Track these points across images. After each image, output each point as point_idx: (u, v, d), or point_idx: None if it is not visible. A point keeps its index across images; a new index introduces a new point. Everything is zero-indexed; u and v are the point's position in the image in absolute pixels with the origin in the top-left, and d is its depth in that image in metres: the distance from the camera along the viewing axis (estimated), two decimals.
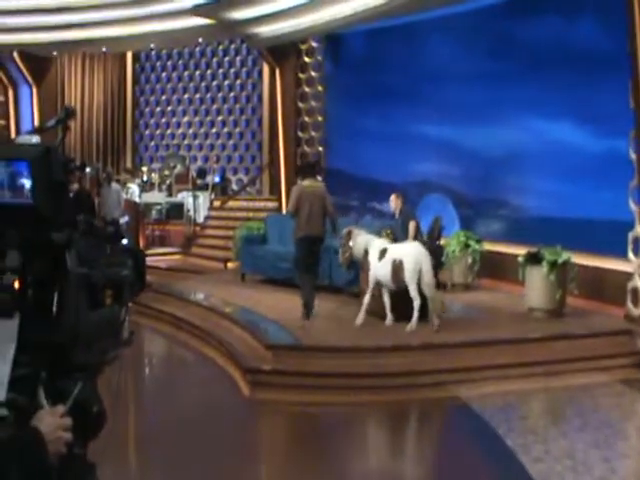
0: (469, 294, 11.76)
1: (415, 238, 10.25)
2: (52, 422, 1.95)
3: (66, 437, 1.97)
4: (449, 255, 11.82)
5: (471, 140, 13.33)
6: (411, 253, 8.99)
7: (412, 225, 10.46)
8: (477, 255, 12.08)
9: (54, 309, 2.01)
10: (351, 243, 9.43)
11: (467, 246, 12.11)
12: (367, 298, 9.27)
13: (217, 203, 18.34)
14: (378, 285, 9.26)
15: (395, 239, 10.00)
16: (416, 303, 8.93)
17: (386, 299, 9.33)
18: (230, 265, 14.92)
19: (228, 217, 17.07)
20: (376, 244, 9.32)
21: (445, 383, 8.04)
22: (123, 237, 2.34)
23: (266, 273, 12.90)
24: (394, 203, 10.85)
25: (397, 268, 8.97)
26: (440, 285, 10.29)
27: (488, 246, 12.26)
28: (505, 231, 12.94)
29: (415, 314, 8.96)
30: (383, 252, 9.15)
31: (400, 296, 9.14)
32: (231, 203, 17.94)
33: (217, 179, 19.77)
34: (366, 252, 9.32)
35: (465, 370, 8.25)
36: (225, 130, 20.70)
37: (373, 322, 9.43)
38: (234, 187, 19.99)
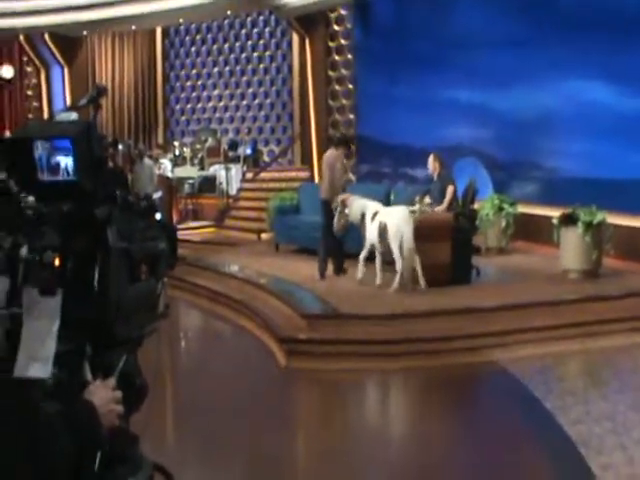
0: (503, 257, 11.72)
1: (451, 203, 10.34)
2: (105, 395, 1.98)
3: (118, 409, 2.00)
4: (483, 219, 11.76)
5: (502, 104, 13.24)
6: (395, 217, 9.31)
7: (450, 190, 10.44)
8: (511, 218, 12.02)
9: (96, 284, 2.03)
10: (347, 210, 9.79)
11: (501, 209, 12.06)
12: (378, 262, 9.58)
13: (249, 175, 18.37)
14: (372, 247, 9.60)
15: (430, 203, 10.18)
16: (398, 265, 9.19)
17: (378, 261, 9.61)
18: (264, 236, 14.94)
19: (260, 188, 17.08)
20: (370, 208, 9.65)
21: (481, 347, 8.02)
22: (157, 211, 2.36)
23: (300, 243, 12.90)
24: (432, 165, 10.76)
25: (382, 230, 9.34)
26: (474, 249, 10.40)
27: (522, 209, 12.20)
28: (539, 193, 12.87)
29: (397, 276, 9.24)
30: (374, 215, 9.53)
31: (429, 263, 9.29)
32: (263, 174, 17.95)
33: (249, 151, 19.74)
34: (363, 216, 9.63)
35: (501, 334, 8.23)
36: (256, 102, 20.68)
37: (404, 288, 9.47)
38: (266, 158, 20.00)
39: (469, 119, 13.92)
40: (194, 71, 21.77)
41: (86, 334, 2.06)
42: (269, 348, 8.57)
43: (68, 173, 2.08)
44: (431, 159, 10.79)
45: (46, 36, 20.51)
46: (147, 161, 15.73)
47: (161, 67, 22.15)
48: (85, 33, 21.10)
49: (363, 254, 9.73)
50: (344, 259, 10.47)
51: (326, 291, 9.60)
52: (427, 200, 10.36)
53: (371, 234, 9.53)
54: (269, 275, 11.13)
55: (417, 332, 8.18)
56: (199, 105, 21.82)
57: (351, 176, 16.78)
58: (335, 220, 9.98)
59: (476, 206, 11.17)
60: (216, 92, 21.41)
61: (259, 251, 13.63)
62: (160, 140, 21.83)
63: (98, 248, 2.05)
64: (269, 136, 20.52)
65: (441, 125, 14.28)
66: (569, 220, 9.74)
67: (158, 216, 2.34)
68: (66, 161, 2.08)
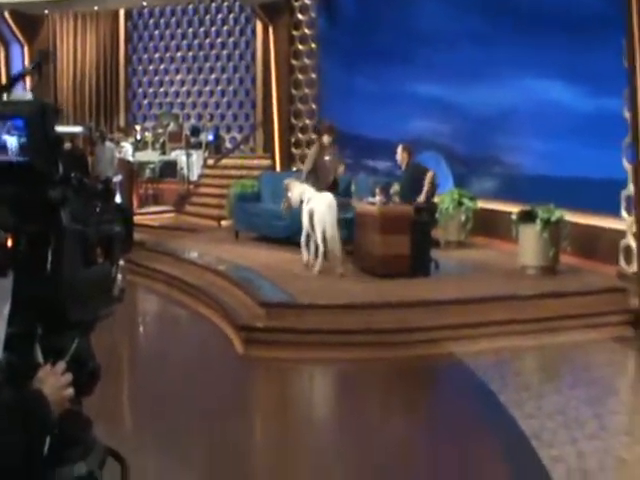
0: (462, 251, 11.77)
1: (431, 190, 10.46)
2: (55, 382, 1.96)
3: (69, 394, 1.99)
4: (443, 212, 11.82)
5: (463, 99, 13.26)
6: (320, 203, 9.71)
7: (429, 175, 10.47)
8: (470, 213, 12.07)
9: (49, 266, 2.01)
10: (289, 194, 10.26)
11: (460, 204, 12.08)
12: (311, 247, 9.99)
13: (211, 161, 18.28)
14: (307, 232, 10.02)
15: (402, 196, 10.36)
16: (320, 250, 9.66)
17: (312, 246, 9.95)
18: (224, 223, 14.91)
19: (222, 175, 17.01)
20: (307, 194, 10.02)
21: (438, 340, 8.05)
22: (114, 194, 2.33)
23: (260, 231, 12.89)
24: (400, 156, 10.76)
25: (310, 216, 9.79)
26: (433, 242, 10.45)
27: (481, 204, 12.25)
28: (498, 189, 12.90)
29: (319, 258, 9.72)
30: (308, 201, 9.93)
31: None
32: (225, 161, 17.86)
33: (210, 137, 19.64)
34: (302, 202, 10.02)
35: (458, 327, 8.27)
36: (219, 88, 20.57)
37: (364, 279, 9.56)
38: (228, 145, 19.91)
39: (430, 113, 13.95)
40: (157, 55, 21.56)
41: (38, 316, 2.04)
42: (227, 336, 8.53)
43: (19, 153, 2.06)
44: (399, 150, 10.79)
45: (6, 14, 20.20)
46: (108, 144, 15.58)
47: (124, 49, 21.90)
48: (46, 12, 20.90)
49: (302, 239, 10.14)
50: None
51: (284, 279, 9.62)
52: (396, 187, 10.46)
53: (304, 219, 9.96)
54: (228, 262, 11.10)
55: (375, 323, 8.20)
56: (161, 89, 21.64)
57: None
58: (282, 202, 10.61)
59: (436, 200, 11.23)
60: (179, 77, 21.24)
61: (219, 238, 13.56)
62: (122, 123, 21.61)
63: (51, 230, 2.03)
64: (231, 123, 20.43)
65: (403, 118, 14.28)
66: (528, 217, 9.80)
67: (117, 199, 2.32)
68: (16, 141, 2.05)
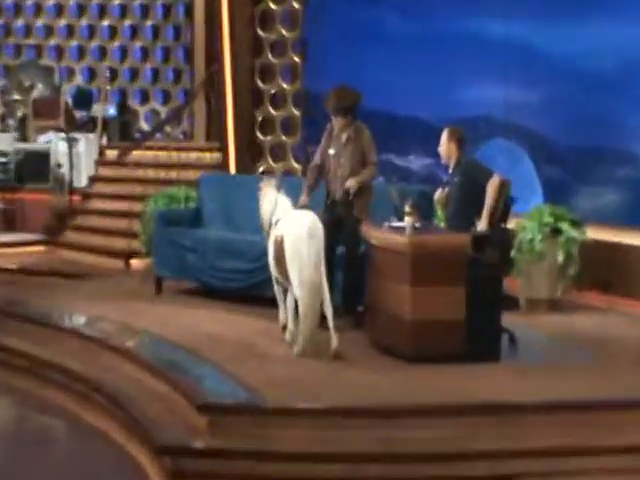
0: (560, 317, 11.83)
1: (504, 207, 10.51)
2: None
3: None
4: (523, 247, 11.90)
5: (563, 45, 13.42)
6: (293, 228, 9.96)
7: (496, 181, 10.47)
8: (575, 248, 12.13)
9: None
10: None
11: (557, 232, 12.14)
12: (281, 300, 10.50)
13: (111, 154, 18.34)
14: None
15: (450, 218, 10.69)
16: (301, 309, 9.82)
17: (281, 303, 10.53)
18: (135, 263, 15.16)
19: (132, 179, 17.16)
20: (279, 210, 10.47)
21: (517, 477, 8.03)
22: None
23: (200, 278, 13.03)
24: (446, 148, 10.85)
25: (279, 249, 10.09)
26: (507, 301, 10.52)
27: (594, 233, 12.31)
28: (628, 208, 12.96)
29: (302, 324, 9.82)
30: (276, 223, 10.37)
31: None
32: (137, 154, 17.99)
33: (112, 111, 19.78)
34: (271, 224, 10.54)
35: (550, 454, 8.24)
36: (126, 22, 20.84)
37: (381, 363, 9.80)
38: (143, 125, 20.18)
39: (505, 71, 14.03)
40: None
41: None
42: (138, 465, 8.58)
43: None
44: (445, 137, 10.86)
45: None
46: None
47: None
48: None
49: (275, 288, 10.60)
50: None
51: (242, 364, 9.71)
52: (439, 201, 10.82)
53: (269, 253, 10.39)
54: (143, 334, 11.18)
55: (401, 443, 8.21)
56: (19, 21, 21.77)
57: None
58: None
59: (511, 225, 11.31)
60: (52, 0, 21.36)
61: (127, 290, 13.73)
62: None
63: None
64: (149, 85, 20.75)
65: (455, 80, 14.43)
66: None
67: None
68: None
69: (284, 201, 10.51)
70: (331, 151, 11.35)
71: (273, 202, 10.51)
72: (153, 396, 9.42)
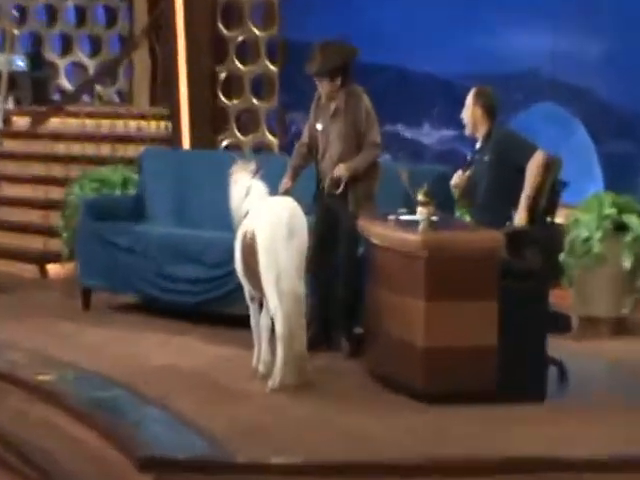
0: (625, 343, 11.87)
1: (550, 194, 10.47)
2: None
3: None
4: (576, 248, 11.79)
5: None
6: (267, 216, 10.14)
7: (536, 164, 10.27)
8: None
9: None
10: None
11: (622, 228, 12.11)
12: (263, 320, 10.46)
13: (20, 121, 18.47)
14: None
15: (478, 208, 10.72)
16: (278, 329, 9.91)
17: (264, 320, 10.44)
18: (55, 270, 15.23)
19: (49, 156, 17.39)
20: (252, 197, 10.64)
21: None
22: None
23: (142, 290, 12.99)
24: (471, 115, 10.90)
25: (248, 248, 10.24)
26: (556, 320, 10.50)
27: None
28: None
29: (279, 349, 9.91)
30: (246, 215, 10.61)
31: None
32: (56, 122, 18.11)
33: (20, 63, 19.91)
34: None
35: None
36: None
37: (385, 401, 9.79)
38: (64, 83, 20.37)
39: (550, 13, 14.05)
40: None
41: None
42: None
43: None
44: (470, 100, 10.92)
45: None
46: None
47: None
48: None
49: (248, 299, 10.73)
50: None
51: (200, 404, 9.66)
52: (460, 186, 10.75)
53: (236, 255, 10.65)
54: (64, 366, 11.06)
55: None
56: None
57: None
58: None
59: (560, 219, 11.26)
60: None
61: (42, 306, 13.87)
62: None
63: None
64: (71, 29, 20.81)
65: (479, 25, 14.52)
66: None
67: None
68: None
69: (259, 187, 10.61)
70: (319, 126, 11.45)
71: (246, 190, 10.59)
72: (78, 450, 9.16)
